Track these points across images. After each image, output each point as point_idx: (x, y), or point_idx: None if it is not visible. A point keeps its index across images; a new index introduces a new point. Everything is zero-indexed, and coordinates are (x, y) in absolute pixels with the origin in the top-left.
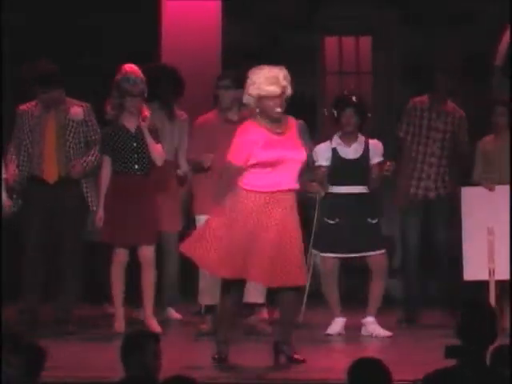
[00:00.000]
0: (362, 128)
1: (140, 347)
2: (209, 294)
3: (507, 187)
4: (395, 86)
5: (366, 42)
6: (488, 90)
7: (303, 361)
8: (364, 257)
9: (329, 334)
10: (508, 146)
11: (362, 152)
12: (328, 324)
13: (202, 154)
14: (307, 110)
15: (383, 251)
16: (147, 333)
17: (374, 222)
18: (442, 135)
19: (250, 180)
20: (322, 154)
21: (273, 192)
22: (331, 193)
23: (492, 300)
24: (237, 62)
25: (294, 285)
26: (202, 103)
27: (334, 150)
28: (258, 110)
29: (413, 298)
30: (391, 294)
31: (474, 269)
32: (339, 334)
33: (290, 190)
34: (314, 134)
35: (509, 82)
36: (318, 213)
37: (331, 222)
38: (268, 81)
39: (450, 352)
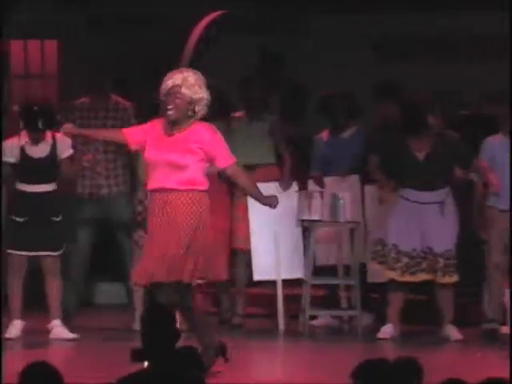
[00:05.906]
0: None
1: None
2: None
3: None
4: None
5: (51, 45)
6: None
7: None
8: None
9: (9, 338)
10: None
11: (49, 150)
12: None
13: None
14: None
15: (58, 252)
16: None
17: (57, 219)
18: None
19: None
20: (9, 151)
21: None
22: (20, 190)
23: None
24: None
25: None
26: None
27: (22, 148)
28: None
29: None
30: None
31: None
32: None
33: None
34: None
35: None
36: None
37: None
38: (167, 76)
39: (135, 355)
